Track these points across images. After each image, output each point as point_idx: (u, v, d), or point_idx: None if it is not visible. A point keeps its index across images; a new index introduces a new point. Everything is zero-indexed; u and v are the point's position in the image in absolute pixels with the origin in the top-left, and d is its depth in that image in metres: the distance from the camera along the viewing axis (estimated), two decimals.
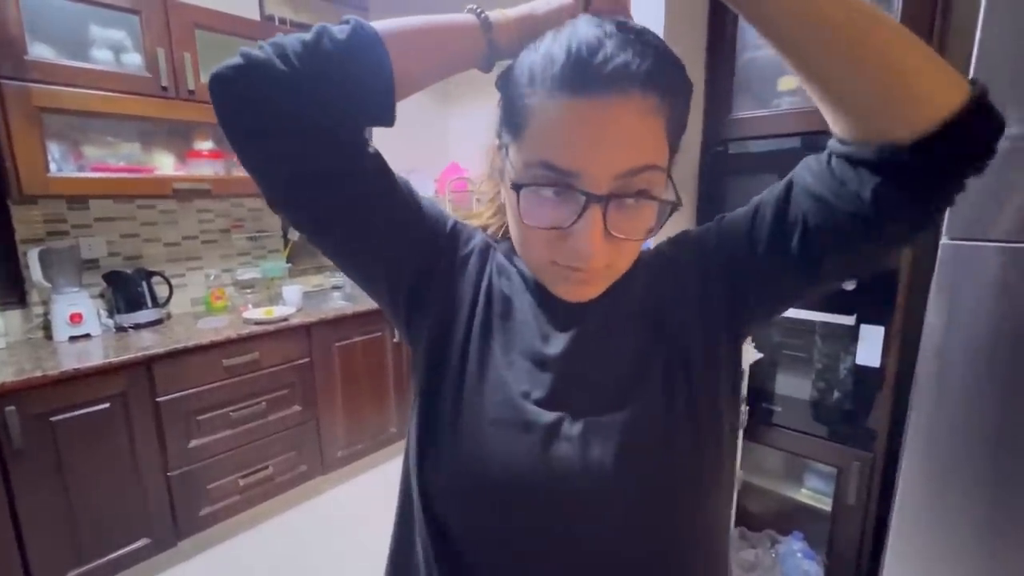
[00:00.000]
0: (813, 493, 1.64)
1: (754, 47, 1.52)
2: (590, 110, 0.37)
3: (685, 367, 0.48)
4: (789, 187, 0.44)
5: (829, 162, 0.41)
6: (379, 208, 0.47)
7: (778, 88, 1.50)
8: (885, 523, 1.28)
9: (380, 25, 0.42)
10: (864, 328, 1.40)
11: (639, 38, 0.39)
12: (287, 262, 2.49)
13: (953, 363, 1.12)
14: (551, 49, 0.39)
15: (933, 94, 0.35)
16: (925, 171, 0.36)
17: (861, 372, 1.44)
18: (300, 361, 2.06)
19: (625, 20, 0.41)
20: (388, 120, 0.44)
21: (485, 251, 0.54)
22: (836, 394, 1.53)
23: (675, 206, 0.42)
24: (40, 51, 1.59)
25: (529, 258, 0.47)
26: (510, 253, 0.54)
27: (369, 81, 0.41)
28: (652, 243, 0.52)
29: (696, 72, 1.53)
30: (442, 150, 3.17)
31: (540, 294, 0.50)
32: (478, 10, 0.45)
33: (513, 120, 0.42)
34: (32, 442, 1.43)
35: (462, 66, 0.47)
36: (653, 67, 0.38)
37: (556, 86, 0.38)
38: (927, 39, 1.19)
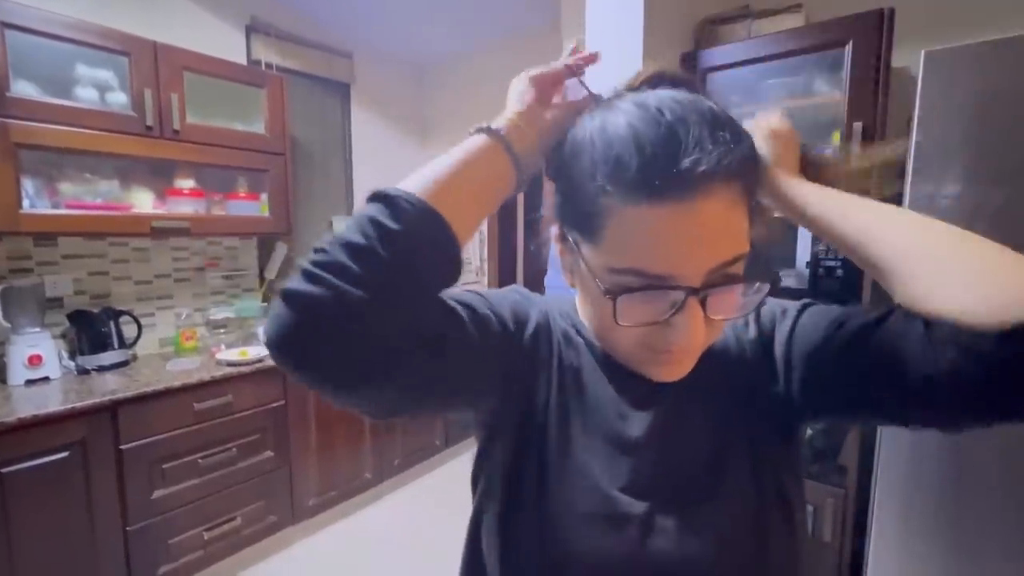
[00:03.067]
0: None
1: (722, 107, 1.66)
2: (676, 214, 0.36)
3: (767, 444, 0.47)
4: (882, 319, 0.42)
5: (924, 322, 0.38)
6: (463, 362, 0.43)
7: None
8: (862, 557, 1.32)
9: (419, 188, 0.38)
10: None
11: (703, 120, 0.38)
12: (263, 301, 2.44)
13: None
14: (616, 148, 0.38)
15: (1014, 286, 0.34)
16: (1008, 362, 0.34)
17: None
18: (274, 404, 1.99)
19: (677, 98, 0.40)
20: (455, 280, 0.40)
21: (546, 324, 0.51)
22: (809, 431, 1.59)
23: (773, 282, 0.44)
24: (23, 88, 1.57)
25: (617, 348, 0.45)
26: (571, 315, 0.52)
27: (440, 259, 0.38)
28: None
29: None
30: None
31: (611, 367, 0.48)
32: (486, 126, 0.43)
33: (584, 221, 0.41)
34: None
35: (502, 197, 0.45)
36: (730, 154, 0.37)
37: (633, 191, 0.37)
38: (871, 111, 1.34)
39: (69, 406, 1.48)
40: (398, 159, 3.06)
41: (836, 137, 1.45)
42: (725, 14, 1.75)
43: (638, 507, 0.44)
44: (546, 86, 0.48)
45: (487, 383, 0.46)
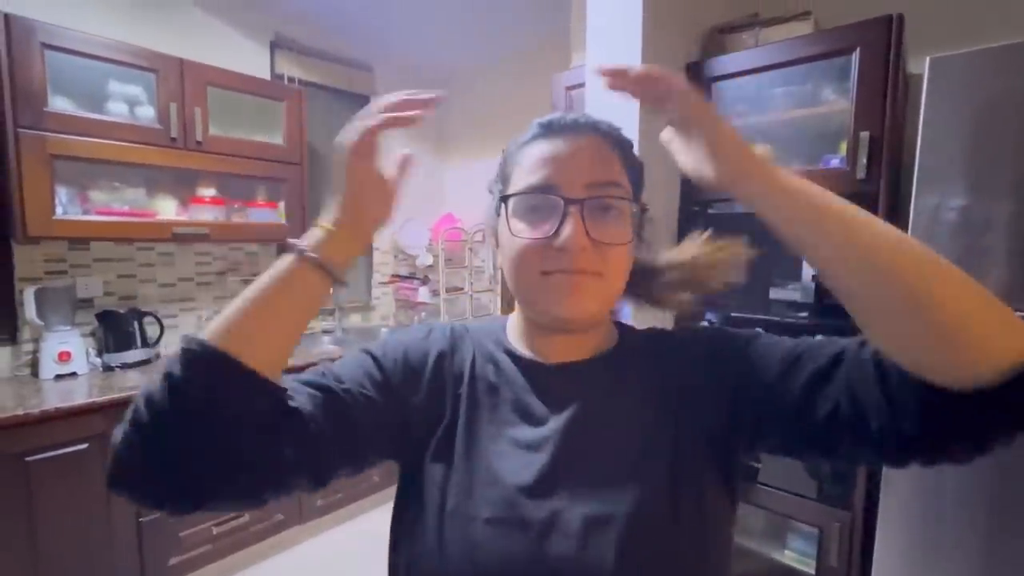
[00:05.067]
0: (797, 555, 1.61)
1: (728, 117, 1.64)
2: (561, 143, 0.48)
3: (693, 458, 0.47)
4: (836, 363, 0.42)
5: (877, 367, 0.39)
6: (348, 431, 0.46)
7: None
8: None
9: (214, 330, 0.40)
10: None
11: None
12: None
13: None
14: (527, 132, 0.51)
15: (987, 339, 0.33)
16: (972, 418, 0.34)
17: None
18: None
19: None
20: (277, 400, 0.42)
21: (453, 349, 0.55)
22: None
23: (642, 220, 0.51)
24: (60, 103, 1.69)
25: (521, 278, 0.49)
26: (499, 334, 0.56)
27: (238, 394, 0.40)
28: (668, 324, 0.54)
29: None
30: (438, 200, 3.29)
31: (532, 373, 0.52)
32: (294, 246, 0.44)
33: (504, 181, 0.52)
34: (4, 483, 1.42)
35: (319, 305, 0.46)
36: (602, 123, 0.50)
37: (534, 136, 0.50)
38: (879, 120, 1.30)
39: (90, 400, 1.57)
40: (415, 169, 3.12)
41: (843, 147, 1.41)
42: (733, 23, 1.73)
43: (543, 509, 0.45)
44: (365, 155, 0.46)
45: (381, 443, 0.50)
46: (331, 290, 0.45)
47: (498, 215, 0.51)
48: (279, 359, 0.42)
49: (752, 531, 1.73)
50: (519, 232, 0.48)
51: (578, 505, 0.45)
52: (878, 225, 0.38)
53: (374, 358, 0.52)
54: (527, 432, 0.49)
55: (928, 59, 1.11)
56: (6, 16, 1.57)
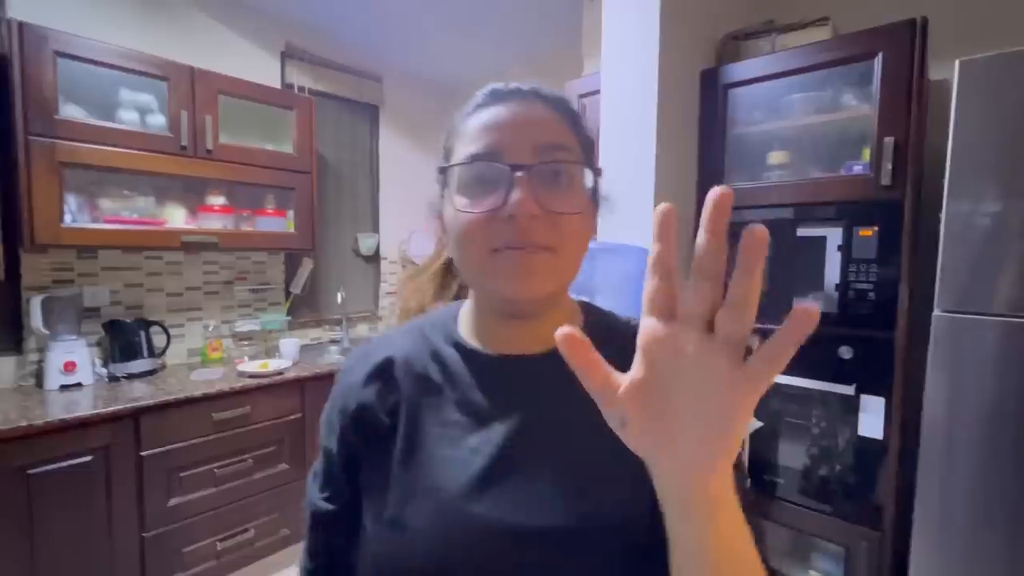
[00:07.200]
0: None
1: (743, 123, 1.61)
2: (506, 108, 0.45)
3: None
4: None
5: None
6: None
7: (768, 162, 1.57)
8: None
9: None
10: (864, 398, 1.38)
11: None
12: (287, 315, 2.50)
13: (959, 440, 1.10)
14: (469, 102, 0.48)
15: None
16: None
17: (864, 444, 1.40)
18: (291, 417, 2.01)
19: None
20: None
21: (389, 363, 0.51)
22: (839, 467, 1.48)
23: (596, 188, 0.46)
24: (70, 111, 1.69)
25: (468, 259, 0.45)
26: (449, 326, 0.52)
27: None
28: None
29: (689, 145, 1.61)
30: None
31: (480, 368, 0.48)
32: None
33: (449, 153, 0.48)
34: (5, 497, 1.38)
35: None
36: (548, 91, 0.47)
37: (475, 109, 0.47)
38: (903, 126, 1.27)
39: (94, 411, 1.54)
40: (424, 179, 3.11)
41: (867, 153, 1.38)
42: (748, 29, 1.71)
43: (480, 518, 0.43)
44: None
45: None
46: None
47: (442, 195, 0.47)
48: None
49: (773, 549, 1.66)
50: (463, 207, 0.43)
51: (520, 514, 0.42)
52: None
53: (326, 453, 0.53)
54: (472, 433, 0.46)
55: (957, 62, 1.08)
56: (20, 24, 1.57)
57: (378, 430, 0.48)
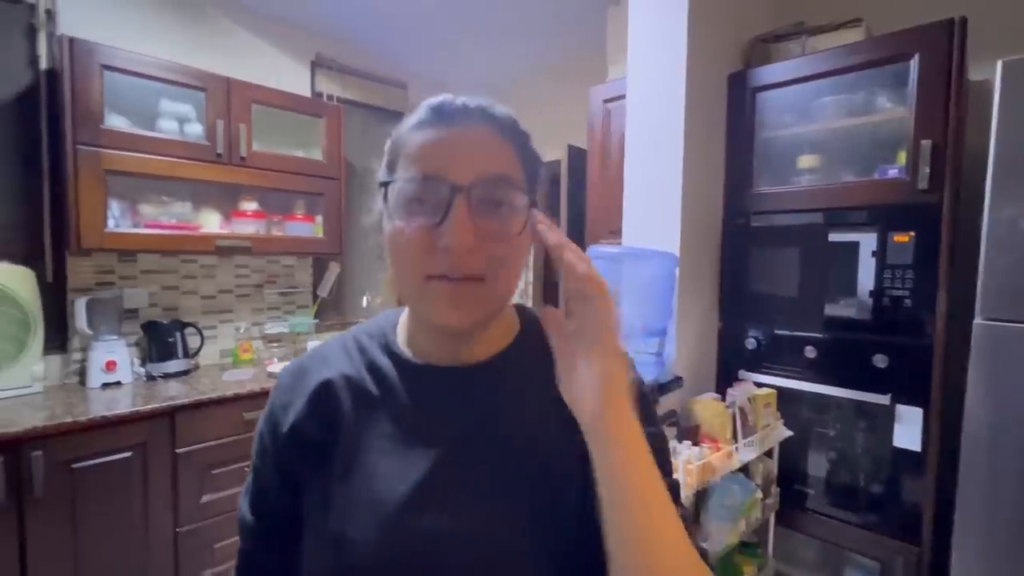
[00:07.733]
0: None
1: (772, 127, 1.59)
2: (450, 130, 0.43)
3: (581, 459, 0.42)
4: None
5: None
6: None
7: (797, 166, 1.55)
8: None
9: None
10: (900, 408, 1.34)
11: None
12: (315, 318, 2.55)
13: (1002, 452, 1.06)
14: (415, 114, 0.46)
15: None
16: None
17: (900, 455, 1.36)
18: None
19: None
20: None
21: (328, 382, 0.50)
22: (873, 479, 1.43)
23: (531, 209, 0.44)
24: (115, 121, 1.77)
25: (403, 282, 0.45)
26: (387, 335, 0.52)
27: None
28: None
29: (716, 149, 1.59)
30: None
31: (416, 379, 0.49)
32: None
33: (389, 169, 0.46)
34: (52, 490, 1.44)
35: None
36: (498, 110, 0.45)
37: (421, 125, 0.45)
38: (941, 128, 1.24)
39: (134, 409, 1.60)
40: None
41: (902, 156, 1.34)
42: (778, 32, 1.69)
43: (420, 531, 0.43)
44: None
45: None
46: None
47: (383, 208, 0.46)
48: None
49: (803, 562, 1.62)
50: (399, 228, 0.43)
51: (461, 522, 0.43)
52: (663, 521, 0.39)
53: (256, 470, 0.53)
54: (410, 445, 0.46)
55: (1000, 62, 1.05)
56: (71, 40, 1.65)
57: (316, 447, 0.48)
